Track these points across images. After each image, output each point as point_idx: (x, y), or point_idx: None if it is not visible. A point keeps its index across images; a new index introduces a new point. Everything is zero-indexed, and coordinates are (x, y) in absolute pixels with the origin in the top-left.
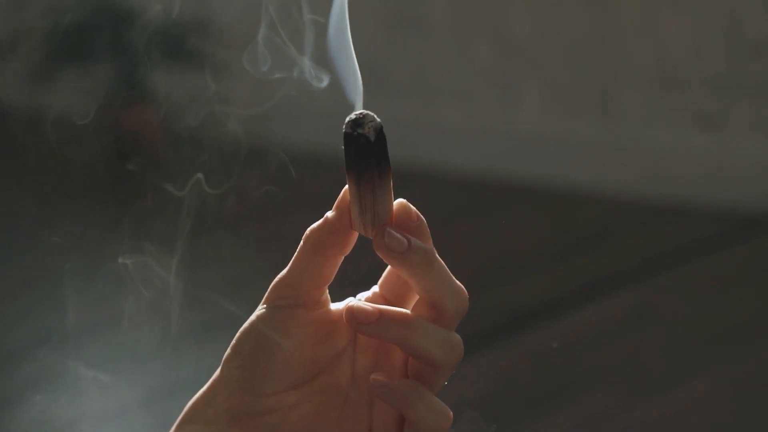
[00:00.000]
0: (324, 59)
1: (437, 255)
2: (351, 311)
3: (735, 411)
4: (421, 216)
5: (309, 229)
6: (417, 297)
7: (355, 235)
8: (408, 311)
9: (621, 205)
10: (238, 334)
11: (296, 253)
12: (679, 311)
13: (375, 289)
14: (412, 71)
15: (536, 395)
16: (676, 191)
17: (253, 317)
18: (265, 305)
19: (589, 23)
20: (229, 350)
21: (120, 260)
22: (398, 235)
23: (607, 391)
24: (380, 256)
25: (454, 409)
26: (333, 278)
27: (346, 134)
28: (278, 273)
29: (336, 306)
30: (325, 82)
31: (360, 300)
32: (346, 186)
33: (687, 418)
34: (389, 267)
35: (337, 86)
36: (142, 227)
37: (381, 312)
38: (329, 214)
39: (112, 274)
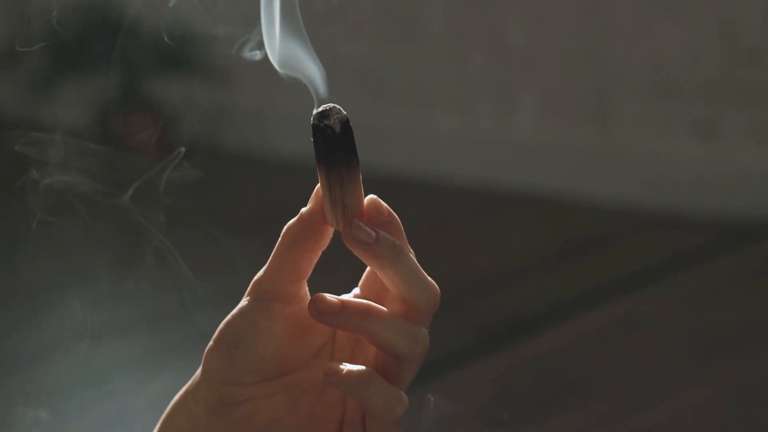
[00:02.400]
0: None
1: (409, 251)
2: (313, 301)
3: (732, 418)
4: (394, 213)
5: (286, 225)
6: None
7: (330, 230)
8: (371, 302)
9: (617, 213)
10: (219, 327)
11: (274, 249)
12: (675, 319)
13: (356, 290)
14: (409, 79)
15: (533, 402)
16: (671, 199)
17: (234, 310)
18: (245, 299)
19: (585, 31)
20: (210, 342)
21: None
22: (366, 228)
23: (605, 399)
24: (350, 249)
25: (457, 416)
26: (309, 273)
27: (313, 126)
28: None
29: None
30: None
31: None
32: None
33: (684, 426)
34: (368, 268)
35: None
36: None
37: (343, 303)
38: (303, 209)
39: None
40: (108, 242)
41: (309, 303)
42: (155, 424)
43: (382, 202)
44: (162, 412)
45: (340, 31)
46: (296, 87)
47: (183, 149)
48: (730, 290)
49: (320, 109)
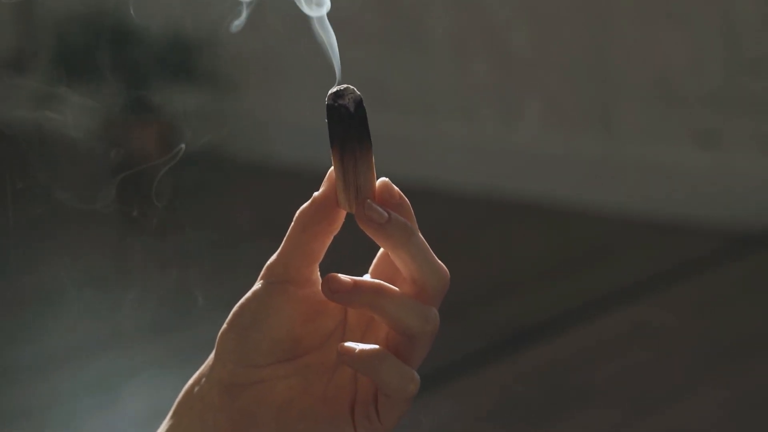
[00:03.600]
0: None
1: (419, 232)
2: (326, 280)
3: (738, 427)
4: (404, 197)
5: (299, 209)
6: (405, 281)
7: (343, 213)
8: (382, 282)
9: (621, 222)
10: (233, 309)
11: (288, 232)
12: (679, 327)
13: (366, 276)
14: (413, 87)
15: (538, 411)
16: (676, 207)
17: (248, 293)
18: (259, 282)
19: (589, 40)
20: (225, 324)
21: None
22: (379, 208)
23: (609, 407)
24: (362, 229)
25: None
26: (322, 256)
27: (328, 106)
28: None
29: None
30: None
31: None
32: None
33: None
34: (380, 253)
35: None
36: (142, 246)
37: (355, 282)
38: (316, 193)
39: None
40: (108, 250)
41: (322, 282)
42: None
43: (394, 186)
44: (163, 421)
45: (344, 38)
46: (299, 95)
47: (183, 146)
48: (735, 299)
49: (335, 89)
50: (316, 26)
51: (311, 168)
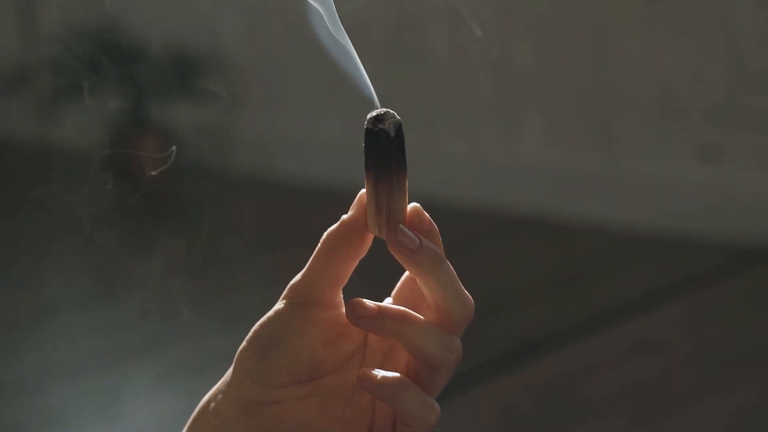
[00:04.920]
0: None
1: (447, 260)
2: (352, 305)
3: None
4: (434, 222)
5: (327, 231)
6: (428, 308)
7: (371, 238)
8: (408, 310)
9: (623, 236)
10: (254, 327)
11: (314, 254)
12: (681, 342)
13: (389, 300)
14: (415, 103)
15: (540, 425)
16: (677, 222)
17: (270, 312)
18: (282, 302)
19: (591, 55)
20: (244, 342)
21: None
22: (411, 233)
23: (611, 421)
24: (392, 254)
25: None
26: (347, 280)
27: (367, 130)
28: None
29: None
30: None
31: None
32: (362, 190)
33: None
34: (403, 278)
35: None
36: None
37: (380, 308)
38: (345, 216)
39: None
40: (107, 264)
41: (347, 306)
42: None
43: (424, 211)
44: None
45: None
46: (300, 110)
47: (175, 148)
48: (737, 313)
49: (375, 113)
50: (341, 54)
51: (312, 182)
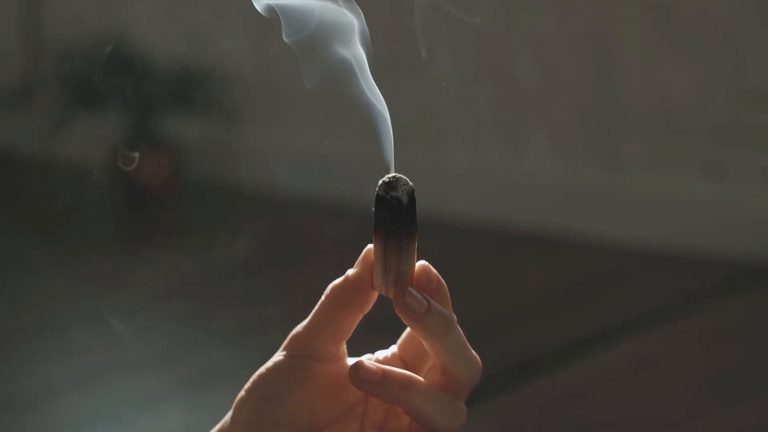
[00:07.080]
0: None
1: (456, 322)
2: (355, 369)
3: None
4: (442, 281)
5: (330, 285)
6: (435, 364)
7: (375, 294)
8: (412, 374)
9: (627, 253)
10: (253, 377)
11: (317, 306)
12: (685, 359)
13: (393, 348)
14: (418, 118)
15: None
16: (681, 239)
17: (269, 363)
18: (282, 353)
19: (595, 72)
20: (242, 392)
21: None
22: (419, 296)
23: None
24: (399, 316)
25: None
26: (350, 334)
27: (378, 197)
28: (294, 320)
29: (353, 361)
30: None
31: (376, 357)
32: (369, 246)
33: None
34: (408, 328)
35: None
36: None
37: (384, 372)
38: (350, 272)
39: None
40: (114, 278)
41: (350, 369)
42: None
43: (433, 269)
44: None
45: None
46: (303, 125)
47: (138, 154)
48: (741, 330)
49: (386, 179)
50: (373, 111)
51: (315, 197)
